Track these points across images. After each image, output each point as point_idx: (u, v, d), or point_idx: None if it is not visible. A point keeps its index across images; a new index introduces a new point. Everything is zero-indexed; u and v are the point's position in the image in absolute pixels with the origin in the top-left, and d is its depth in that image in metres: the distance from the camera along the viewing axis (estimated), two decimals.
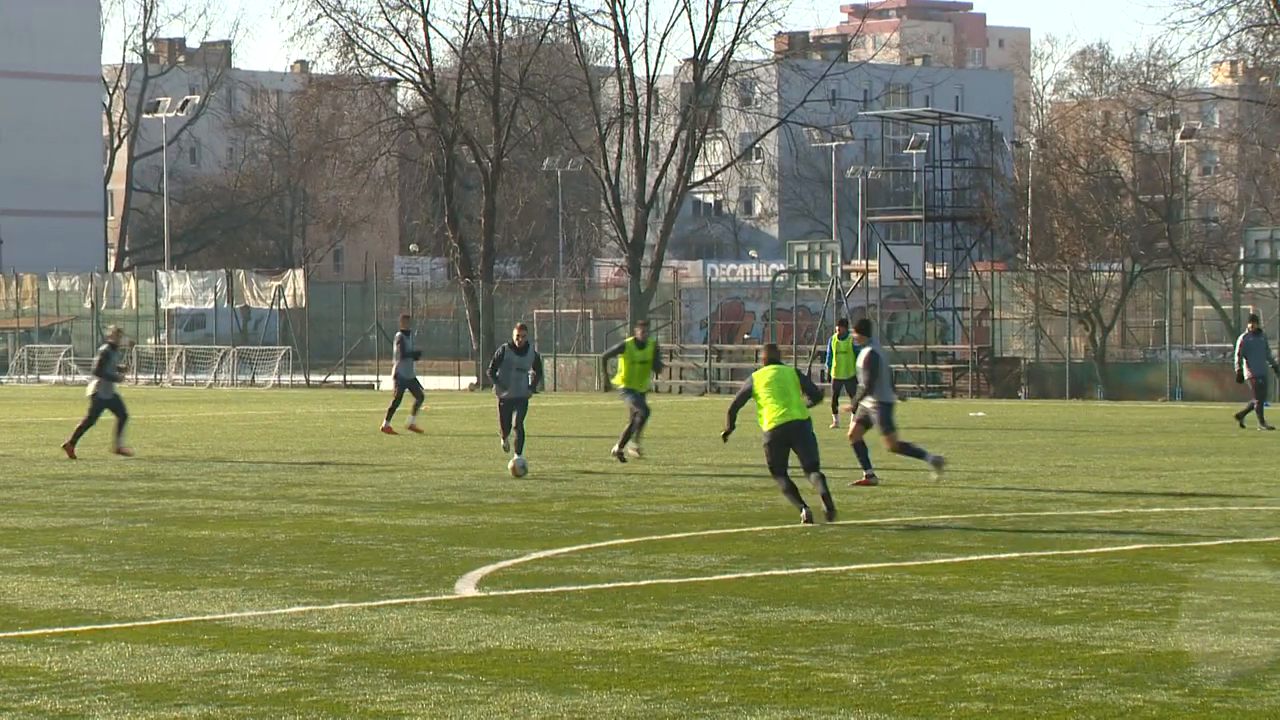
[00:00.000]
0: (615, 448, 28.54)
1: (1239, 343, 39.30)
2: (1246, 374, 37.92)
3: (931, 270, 62.06)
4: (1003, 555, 17.32)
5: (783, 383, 21.13)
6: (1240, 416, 37.50)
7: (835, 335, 40.81)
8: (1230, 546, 17.96)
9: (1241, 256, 58.15)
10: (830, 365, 40.29)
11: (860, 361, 23.81)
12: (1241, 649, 12.34)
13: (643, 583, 15.65)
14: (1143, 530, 19.31)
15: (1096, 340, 56.14)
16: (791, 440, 20.51)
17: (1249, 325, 40.40)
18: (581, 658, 12.24)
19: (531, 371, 27.70)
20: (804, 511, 19.80)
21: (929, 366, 57.16)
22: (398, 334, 37.90)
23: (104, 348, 31.79)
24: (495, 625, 13.48)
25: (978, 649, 12.44)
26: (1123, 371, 55.75)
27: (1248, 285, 56.83)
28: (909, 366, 57.34)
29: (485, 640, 12.89)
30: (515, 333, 28.13)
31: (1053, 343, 57.71)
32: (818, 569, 16.46)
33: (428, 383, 63.38)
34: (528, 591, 15.20)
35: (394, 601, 14.66)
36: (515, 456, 25.89)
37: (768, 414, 21.09)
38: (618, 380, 29.59)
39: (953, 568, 16.51)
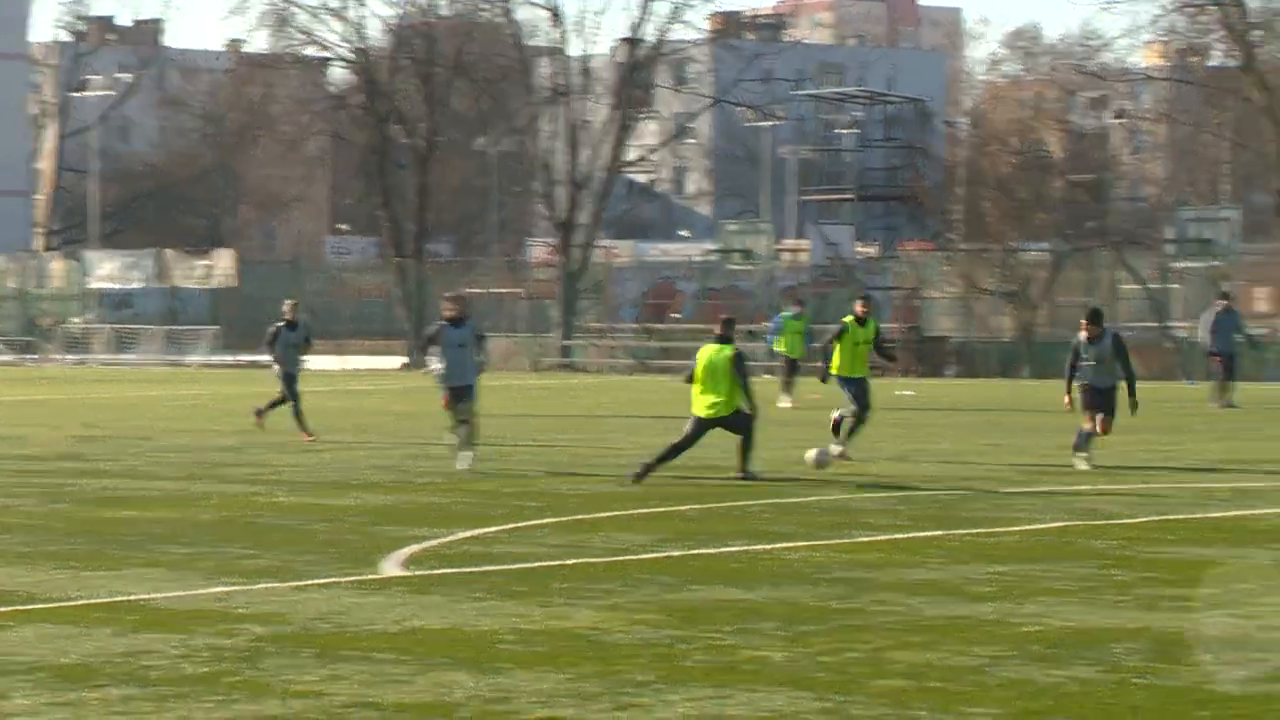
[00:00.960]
0: (835, 447, 24.63)
1: (1211, 320, 39.54)
2: (1215, 351, 38.28)
3: (862, 249, 62.26)
4: (928, 533, 17.40)
5: (714, 370, 21.60)
6: (1221, 400, 37.68)
7: (789, 314, 40.70)
8: (1154, 524, 18.09)
9: (1170, 236, 58.50)
10: (776, 343, 40.14)
11: (1112, 348, 23.85)
12: (1162, 626, 12.42)
13: (569, 562, 15.65)
14: (1068, 508, 19.42)
15: (1025, 319, 56.42)
16: (708, 429, 21.67)
17: (1220, 302, 40.67)
18: (506, 637, 12.23)
19: (477, 353, 23.80)
20: (634, 475, 21.56)
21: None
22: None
23: (278, 324, 29.70)
24: (420, 605, 13.47)
25: (901, 626, 12.49)
26: (1051, 350, 55.92)
27: (1175, 265, 57.16)
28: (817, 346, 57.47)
29: (410, 620, 12.86)
30: (447, 305, 24.20)
31: (981, 322, 57.96)
32: (744, 548, 16.50)
33: (358, 362, 63.41)
34: (453, 571, 15.18)
35: (319, 581, 14.62)
36: (466, 454, 23.54)
37: (695, 399, 21.70)
38: (834, 368, 25.63)
39: (878, 546, 16.57)
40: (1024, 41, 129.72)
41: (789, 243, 71.28)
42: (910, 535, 17.29)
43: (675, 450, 22.12)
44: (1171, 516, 18.64)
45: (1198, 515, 18.80)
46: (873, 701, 10.26)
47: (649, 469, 21.90)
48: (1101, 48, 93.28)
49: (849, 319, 25.87)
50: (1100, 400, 23.75)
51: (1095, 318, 24.00)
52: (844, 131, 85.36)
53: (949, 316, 60.49)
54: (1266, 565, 15.29)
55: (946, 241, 65.67)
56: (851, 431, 25.20)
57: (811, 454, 23.01)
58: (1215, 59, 63.13)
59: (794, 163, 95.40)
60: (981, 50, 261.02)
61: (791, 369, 39.44)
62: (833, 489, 21.36)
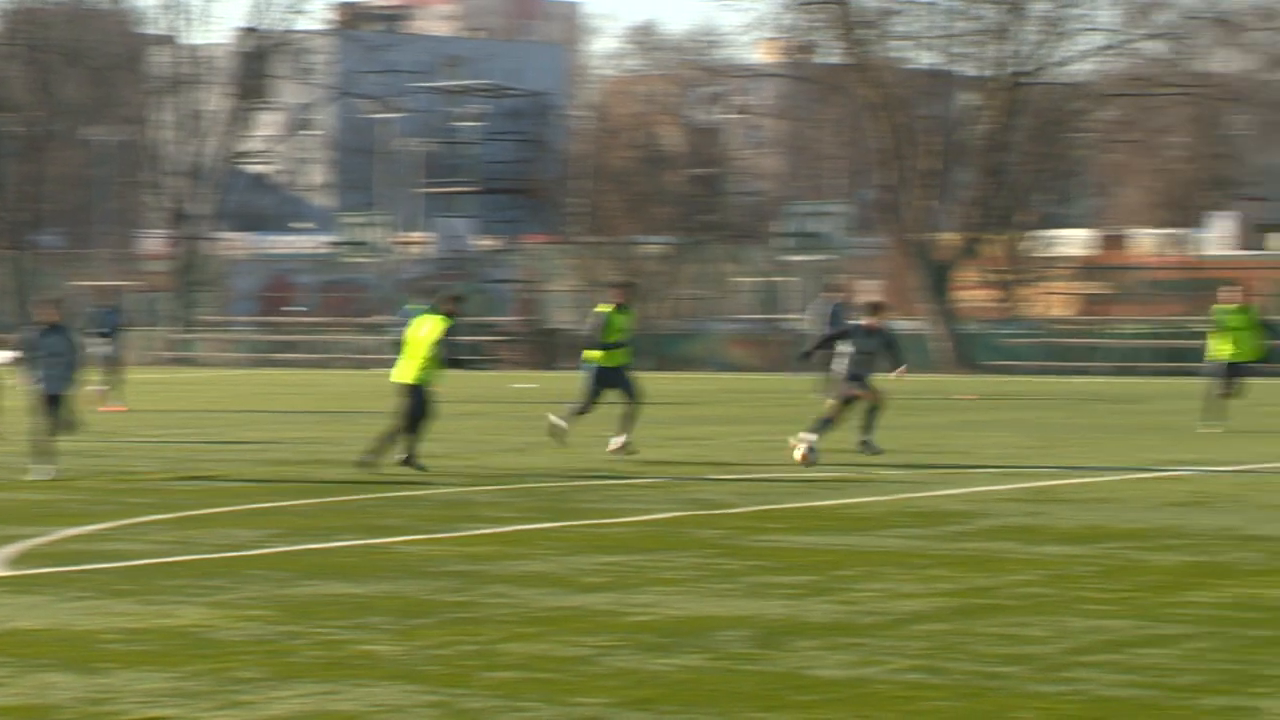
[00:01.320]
0: (616, 442, 24.15)
1: (827, 313, 40.43)
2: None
3: (484, 242, 62.43)
4: (542, 525, 17.50)
5: (419, 339, 21.97)
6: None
7: (419, 306, 40.58)
8: (761, 513, 18.45)
9: (782, 230, 59.75)
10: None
11: (884, 341, 23.71)
12: (767, 612, 12.67)
13: (178, 559, 15.39)
14: (679, 499, 19.70)
15: (643, 312, 57.12)
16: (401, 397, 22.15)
17: (829, 295, 41.64)
18: (110, 636, 11.97)
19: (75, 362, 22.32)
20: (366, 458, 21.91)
21: (478, 339, 57.47)
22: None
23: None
24: (20, 605, 13.11)
25: (513, 618, 12.53)
26: (669, 342, 56.85)
27: (787, 258, 58.42)
28: (459, 339, 57.70)
29: (9, 621, 12.52)
30: (43, 311, 22.95)
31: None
32: (357, 542, 16.41)
33: None
34: (57, 570, 14.81)
35: None
36: (44, 466, 21.92)
37: (397, 365, 22.47)
38: (593, 358, 24.72)
39: (491, 538, 16.62)
40: (644, 36, 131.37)
41: (410, 235, 71.13)
42: (524, 527, 17.37)
43: (410, 424, 22.24)
44: (777, 506, 19.03)
45: (802, 504, 19.23)
46: (484, 694, 10.27)
47: (390, 450, 22.21)
48: (719, 44, 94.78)
49: (608, 308, 24.80)
50: (855, 391, 23.84)
51: (879, 310, 24.08)
52: (466, 124, 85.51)
53: (569, 309, 61.01)
54: (866, 552, 15.69)
55: (567, 235, 66.17)
56: (628, 419, 24.47)
57: (799, 451, 22.68)
58: (827, 56, 64.65)
59: (416, 155, 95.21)
60: (603, 45, 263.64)
61: None
62: (448, 482, 21.37)
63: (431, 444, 25.35)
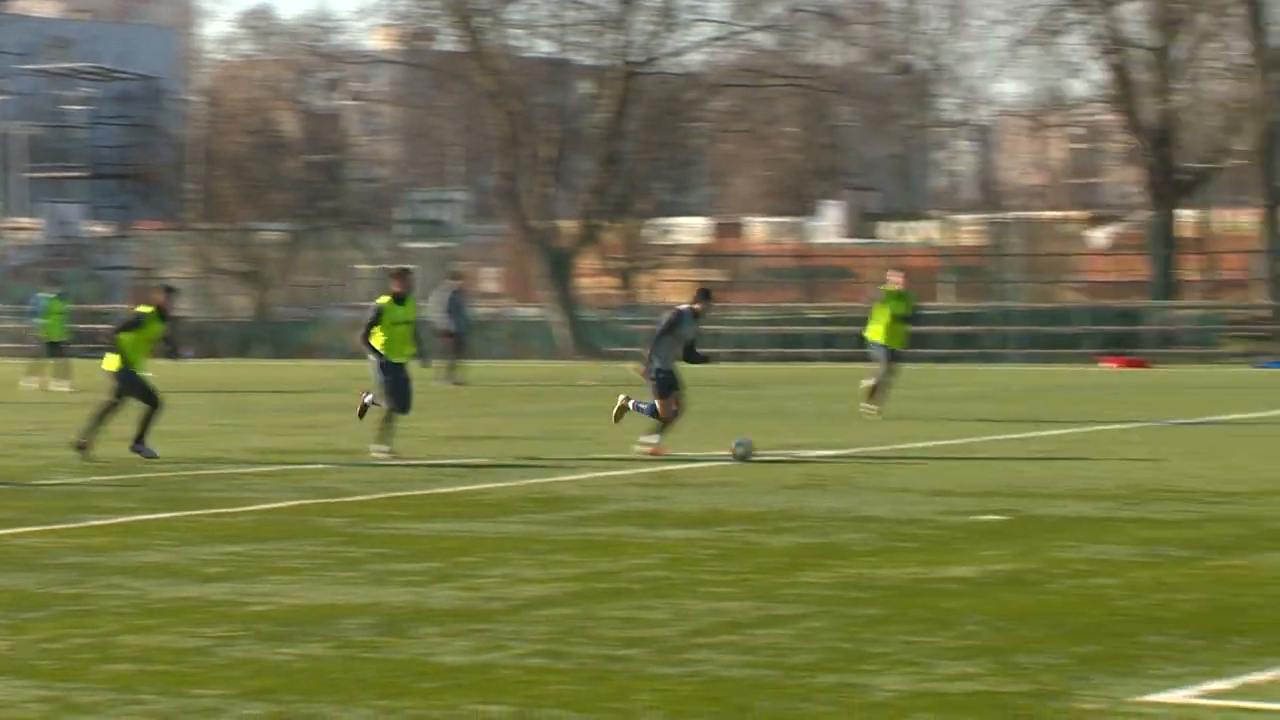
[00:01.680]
0: (378, 446, 22.70)
1: (445, 300, 40.69)
2: (447, 330, 39.57)
3: (95, 228, 61.13)
4: (159, 515, 17.21)
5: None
6: (451, 378, 38.87)
7: (49, 295, 39.78)
8: (385, 500, 18.41)
9: (402, 217, 59.61)
10: (47, 328, 39.11)
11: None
12: (390, 600, 12.63)
13: None
14: (301, 487, 19.55)
15: (262, 299, 56.52)
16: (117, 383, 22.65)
17: (451, 283, 41.83)
18: None
19: None
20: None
21: (91, 326, 56.22)
22: None
23: None
24: None
25: (130, 610, 12.31)
26: (289, 330, 56.32)
27: (409, 246, 58.33)
28: (77, 327, 56.33)
29: None
30: None
31: (218, 302, 57.78)
32: None
33: None
34: None
35: None
36: None
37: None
38: (381, 350, 23.06)
39: (107, 529, 16.29)
40: (258, 21, 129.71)
41: (18, 221, 69.32)
42: (142, 518, 17.07)
43: (148, 411, 22.62)
44: (402, 493, 18.99)
45: (427, 491, 19.21)
46: (99, 687, 10.08)
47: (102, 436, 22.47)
48: (335, 29, 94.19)
49: (384, 299, 23.26)
50: (675, 382, 23.08)
51: (709, 298, 23.38)
52: (74, 108, 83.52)
53: (186, 297, 60.02)
54: (490, 538, 15.74)
55: (182, 221, 65.08)
56: (389, 421, 23.09)
57: (735, 444, 22.21)
58: (444, 43, 64.58)
59: (21, 139, 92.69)
60: (216, 29, 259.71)
61: (52, 351, 38.80)
62: (62, 473, 20.90)
63: (45, 434, 24.75)
